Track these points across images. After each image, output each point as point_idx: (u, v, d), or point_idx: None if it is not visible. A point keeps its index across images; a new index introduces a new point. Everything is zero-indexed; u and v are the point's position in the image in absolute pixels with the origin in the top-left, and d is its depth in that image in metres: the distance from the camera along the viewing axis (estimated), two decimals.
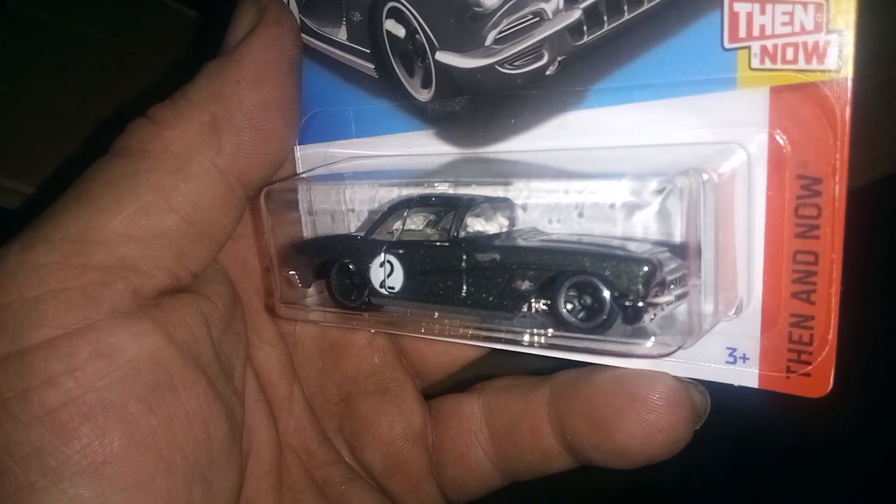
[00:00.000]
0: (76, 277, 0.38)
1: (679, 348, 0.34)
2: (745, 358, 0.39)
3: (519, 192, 0.40)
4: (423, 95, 0.44)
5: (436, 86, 0.43)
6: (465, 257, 0.37)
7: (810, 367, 0.37)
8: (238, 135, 0.42)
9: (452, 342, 0.50)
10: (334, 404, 0.53)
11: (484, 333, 0.37)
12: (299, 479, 0.50)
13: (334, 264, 0.42)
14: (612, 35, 0.39)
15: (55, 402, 0.36)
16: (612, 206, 0.37)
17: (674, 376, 0.40)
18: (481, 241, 0.37)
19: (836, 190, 0.35)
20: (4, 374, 0.36)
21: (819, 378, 0.37)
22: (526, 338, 0.36)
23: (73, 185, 0.41)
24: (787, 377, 0.38)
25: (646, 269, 0.32)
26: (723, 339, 0.39)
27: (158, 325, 0.39)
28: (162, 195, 0.40)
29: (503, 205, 0.40)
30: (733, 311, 0.38)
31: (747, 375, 0.39)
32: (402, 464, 0.51)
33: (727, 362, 0.39)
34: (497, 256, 0.36)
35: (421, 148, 0.44)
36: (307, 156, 0.49)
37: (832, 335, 0.36)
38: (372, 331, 0.50)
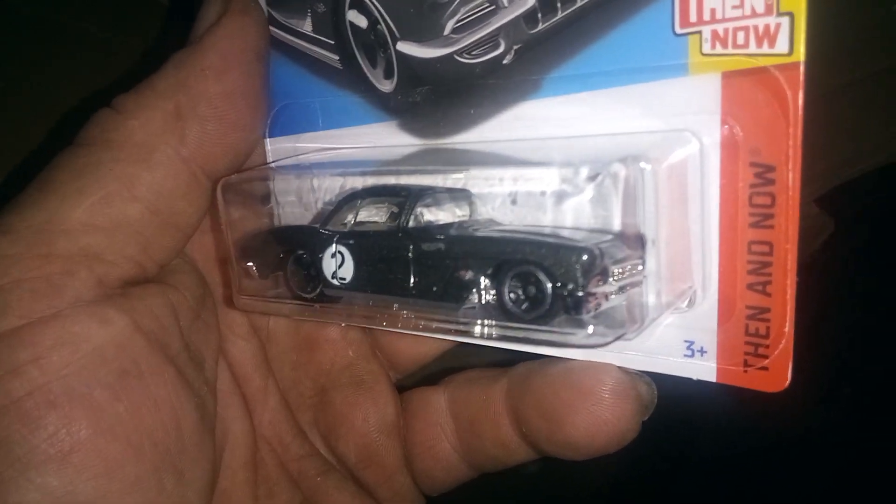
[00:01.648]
0: (40, 267, 0.38)
1: (618, 338, 0.33)
2: (702, 351, 0.38)
3: (456, 181, 0.39)
4: (386, 86, 0.44)
5: (398, 76, 0.43)
6: (411, 247, 0.36)
7: (768, 361, 0.36)
8: (202, 124, 0.42)
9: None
10: (309, 397, 0.53)
11: (436, 325, 0.37)
12: (274, 471, 0.50)
13: (290, 255, 0.42)
14: (567, 22, 0.38)
15: (20, 390, 0.36)
16: (543, 193, 0.37)
17: (620, 368, 0.39)
18: (428, 231, 0.37)
19: (790, 178, 0.34)
20: None
21: (777, 372, 0.36)
22: (476, 329, 0.36)
23: (38, 176, 0.41)
24: (745, 371, 0.37)
25: (584, 257, 0.32)
26: (680, 331, 0.38)
27: (124, 313, 0.39)
28: (125, 184, 0.40)
29: (461, 196, 0.40)
30: (685, 302, 0.37)
31: (705, 369, 0.38)
32: (377, 456, 0.51)
33: (685, 356, 0.38)
34: (442, 246, 0.35)
35: (384, 139, 0.44)
36: (277, 150, 0.49)
37: (788, 327, 0.35)
38: (338, 323, 0.50)
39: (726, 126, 0.35)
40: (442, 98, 0.42)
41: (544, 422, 0.42)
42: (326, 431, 0.52)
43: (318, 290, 0.41)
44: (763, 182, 0.34)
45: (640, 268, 0.35)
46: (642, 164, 0.32)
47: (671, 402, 0.40)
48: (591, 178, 0.32)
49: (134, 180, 0.40)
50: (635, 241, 0.34)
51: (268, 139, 0.49)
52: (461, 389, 0.48)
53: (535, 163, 0.37)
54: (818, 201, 0.49)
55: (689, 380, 0.38)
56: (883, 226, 0.70)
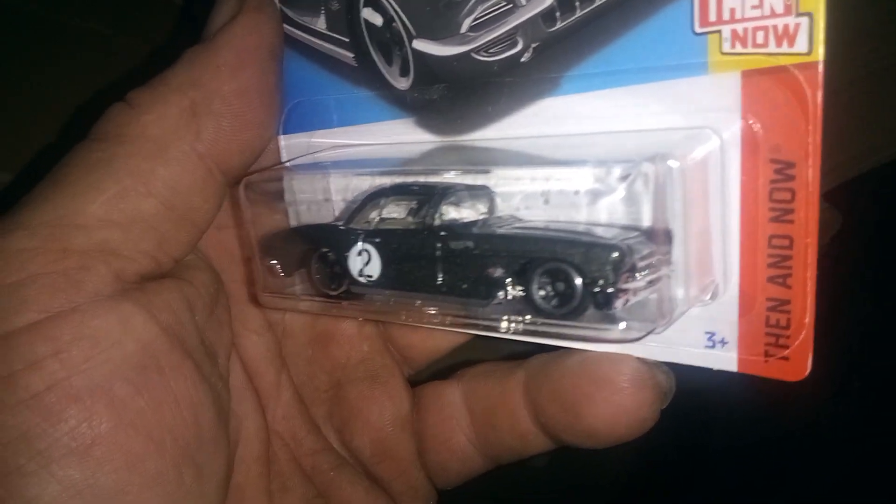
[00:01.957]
0: (57, 262, 0.38)
1: (649, 333, 0.34)
2: (723, 342, 0.39)
3: (487, 180, 0.40)
4: (402, 84, 0.44)
5: (414, 74, 0.43)
6: (439, 245, 0.37)
7: (788, 351, 0.37)
8: (217, 120, 0.42)
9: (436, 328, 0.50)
10: (323, 391, 0.53)
11: (462, 321, 0.38)
12: (287, 466, 0.51)
13: (314, 253, 0.43)
14: (585, 21, 0.38)
15: (41, 385, 0.36)
16: (577, 192, 0.37)
17: (638, 358, 0.40)
18: (455, 229, 0.38)
19: (810, 174, 0.34)
20: None
21: (797, 362, 0.37)
22: (503, 325, 0.37)
23: (51, 172, 0.41)
24: (766, 361, 0.38)
25: (615, 254, 0.33)
26: (701, 323, 0.39)
27: (142, 307, 0.39)
28: (140, 179, 0.40)
29: (481, 192, 0.40)
30: (709, 295, 0.38)
31: (726, 360, 0.39)
32: (391, 450, 0.52)
33: (706, 346, 0.39)
34: (470, 244, 0.36)
35: (401, 136, 0.45)
36: (291, 146, 0.49)
37: (809, 318, 0.36)
38: (360, 319, 0.51)
39: (746, 123, 0.35)
40: (459, 95, 0.42)
41: (563, 412, 0.43)
42: (341, 426, 0.53)
43: (344, 287, 0.42)
44: (783, 178, 0.35)
45: (666, 263, 0.35)
46: (670, 163, 0.33)
47: (684, 393, 0.41)
48: (623, 177, 0.33)
49: (149, 176, 0.40)
50: (661, 237, 0.35)
51: (281, 136, 0.49)
52: (476, 382, 0.49)
53: (567, 162, 0.37)
54: (827, 196, 0.49)
55: (703, 371, 0.39)
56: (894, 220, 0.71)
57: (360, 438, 0.52)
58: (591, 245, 0.33)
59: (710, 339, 0.39)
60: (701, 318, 0.39)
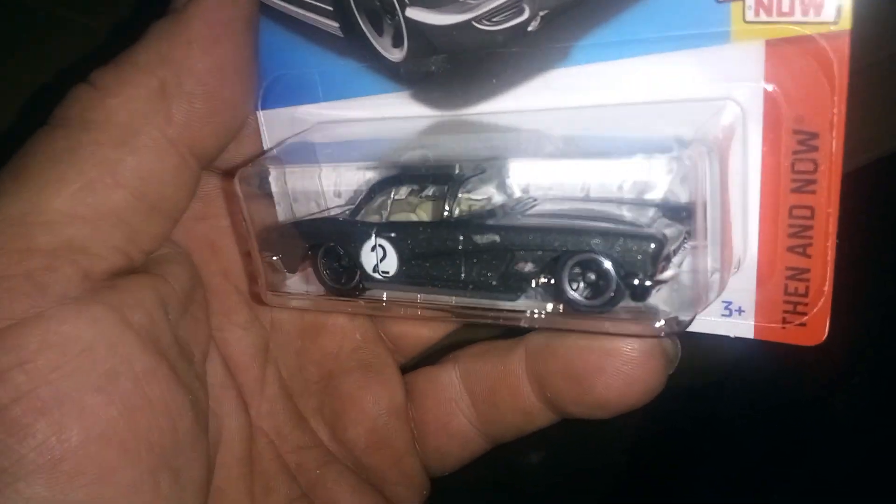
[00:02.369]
0: (19, 263, 0.35)
1: (692, 321, 0.34)
2: (740, 311, 0.39)
3: (516, 172, 0.38)
4: (395, 55, 0.41)
5: (408, 45, 0.41)
6: (461, 239, 0.35)
7: (806, 318, 0.37)
8: (189, 102, 0.39)
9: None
10: (314, 383, 0.51)
11: (487, 316, 0.37)
12: (271, 465, 0.49)
13: (320, 248, 0.40)
14: None
15: (5, 398, 0.34)
16: (620, 188, 0.36)
17: None
18: (478, 221, 0.36)
19: (833, 145, 0.34)
20: None
21: (814, 327, 0.37)
22: (528, 319, 0.36)
23: (10, 162, 0.38)
24: (783, 327, 0.38)
25: (653, 245, 0.32)
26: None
27: (113, 309, 0.37)
28: (108, 169, 0.37)
29: (494, 170, 0.39)
30: (734, 268, 0.38)
31: (743, 327, 0.39)
32: (387, 439, 0.50)
33: (723, 315, 0.39)
34: (497, 238, 0.35)
35: (396, 110, 0.42)
36: (272, 120, 0.46)
37: (828, 287, 0.37)
38: (375, 315, 0.49)
39: (769, 94, 0.35)
40: (459, 67, 0.40)
41: (573, 384, 0.42)
42: (333, 417, 0.51)
43: (356, 281, 0.39)
44: (806, 149, 0.35)
45: (687, 240, 0.35)
46: (706, 148, 0.32)
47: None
48: (668, 171, 0.32)
49: (117, 165, 0.37)
50: (682, 213, 0.35)
51: (261, 111, 0.46)
52: (473, 363, 0.48)
53: (607, 154, 0.36)
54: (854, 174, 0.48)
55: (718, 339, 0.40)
56: None
57: (355, 429, 0.50)
58: (626, 236, 0.32)
59: (726, 307, 0.39)
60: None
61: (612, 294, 0.33)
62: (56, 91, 0.39)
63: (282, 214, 0.43)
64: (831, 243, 0.36)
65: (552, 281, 0.34)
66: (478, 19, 0.39)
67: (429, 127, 0.41)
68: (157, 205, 0.39)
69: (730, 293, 0.39)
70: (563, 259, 0.33)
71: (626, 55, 0.37)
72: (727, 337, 0.40)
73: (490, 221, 0.35)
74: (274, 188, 0.42)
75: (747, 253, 0.38)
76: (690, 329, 0.40)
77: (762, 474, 0.80)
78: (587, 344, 0.41)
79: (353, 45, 0.42)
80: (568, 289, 0.34)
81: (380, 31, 0.41)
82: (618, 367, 0.40)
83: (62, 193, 0.36)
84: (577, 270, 0.34)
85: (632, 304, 0.34)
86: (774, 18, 0.34)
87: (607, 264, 0.32)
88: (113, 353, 0.36)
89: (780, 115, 0.35)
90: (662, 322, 0.33)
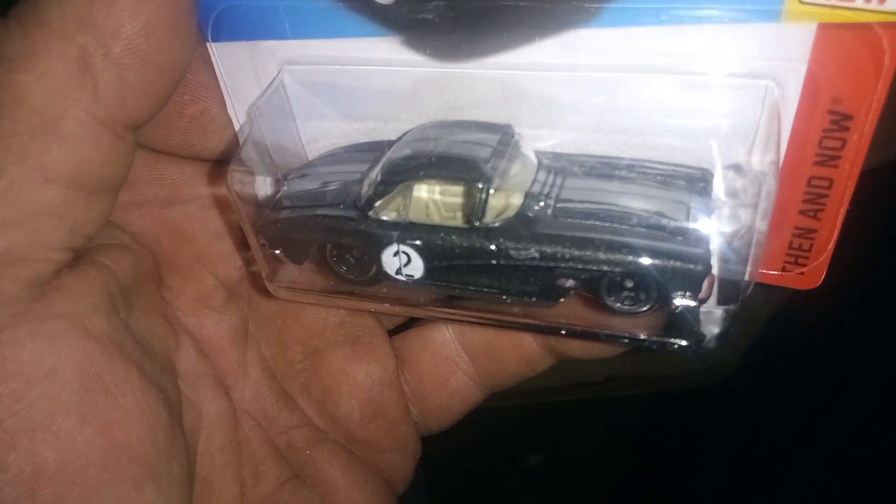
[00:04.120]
0: None
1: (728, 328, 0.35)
2: None
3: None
4: None
5: None
6: (496, 251, 0.33)
7: (805, 268, 0.39)
8: (119, 73, 0.32)
9: None
10: (298, 362, 0.49)
11: (524, 322, 0.36)
12: (260, 448, 0.47)
13: (331, 243, 0.37)
14: None
15: None
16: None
17: None
18: (512, 233, 0.33)
19: (866, 127, 0.34)
20: None
21: (812, 274, 0.39)
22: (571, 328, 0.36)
23: None
24: (781, 274, 0.40)
25: (700, 268, 0.31)
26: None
27: (70, 321, 0.34)
28: (33, 165, 0.32)
29: (515, 151, 0.36)
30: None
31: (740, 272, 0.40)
32: (382, 409, 0.50)
33: None
34: (535, 255, 0.33)
35: (383, 56, 0.37)
36: (227, 55, 0.39)
37: (831, 246, 0.38)
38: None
39: (811, 74, 0.33)
40: (464, 16, 0.35)
41: None
42: (323, 394, 0.50)
43: (375, 275, 0.37)
44: (838, 129, 0.34)
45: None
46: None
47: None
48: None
49: (42, 158, 0.32)
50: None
51: (212, 43, 0.39)
52: None
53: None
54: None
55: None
56: None
57: (349, 403, 0.49)
58: (673, 256, 0.31)
59: None
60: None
61: (651, 305, 0.33)
62: None
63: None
64: (843, 211, 0.37)
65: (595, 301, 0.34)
66: None
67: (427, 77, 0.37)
68: (96, 189, 0.34)
69: None
70: (607, 277, 0.33)
71: (663, 23, 0.33)
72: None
73: (524, 231, 0.33)
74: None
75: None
76: None
77: (763, 475, 0.81)
78: None
79: None
80: (607, 300, 0.33)
81: None
82: None
83: None
84: (618, 286, 0.33)
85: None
86: (833, 2, 0.31)
87: (651, 281, 0.32)
88: (80, 370, 0.34)
89: (819, 96, 0.33)
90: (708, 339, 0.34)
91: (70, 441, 0.33)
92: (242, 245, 0.43)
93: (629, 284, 0.33)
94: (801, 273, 0.39)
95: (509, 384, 0.50)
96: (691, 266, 0.31)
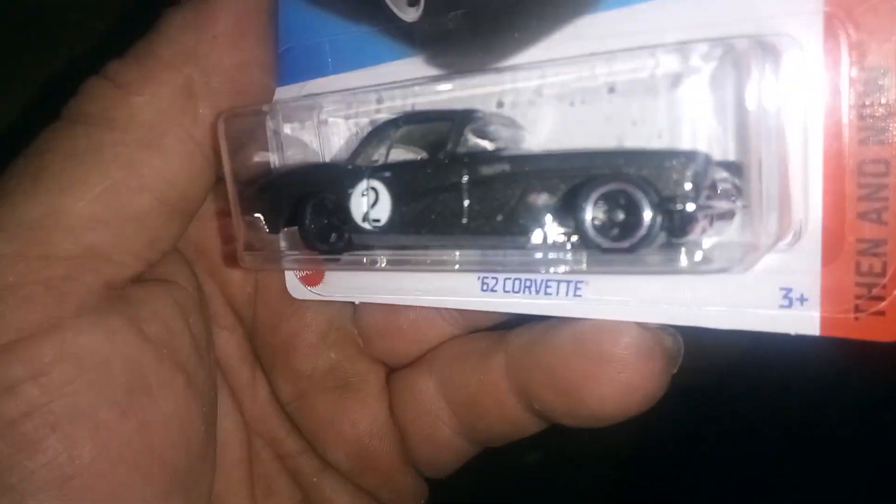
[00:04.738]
0: (39, 270, 0.34)
1: (724, 270, 0.27)
2: (802, 299, 0.32)
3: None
4: (410, 14, 0.38)
5: (424, 1, 0.37)
6: (466, 172, 0.30)
7: (884, 304, 0.30)
8: (217, 101, 0.37)
9: (425, 321, 0.45)
10: (287, 402, 0.47)
11: (493, 262, 0.31)
12: (271, 466, 0.46)
13: (308, 202, 0.35)
14: None
15: (17, 412, 0.33)
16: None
17: (638, 324, 0.35)
18: (487, 153, 0.31)
19: None
20: None
21: (894, 317, 0.30)
22: (543, 267, 0.30)
23: (25, 158, 0.36)
24: (856, 318, 0.31)
25: (695, 163, 0.26)
26: (775, 277, 0.32)
27: (130, 320, 0.36)
28: (132, 172, 0.36)
29: (507, 121, 0.34)
30: (790, 236, 0.31)
31: (806, 321, 0.32)
32: (372, 461, 0.46)
33: (781, 306, 0.32)
34: (506, 167, 0.29)
35: (409, 78, 0.38)
36: (280, 98, 0.42)
37: None
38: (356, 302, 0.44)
39: (831, 25, 0.30)
40: (480, 22, 0.37)
41: (563, 397, 0.37)
42: (312, 437, 0.47)
43: (345, 237, 0.34)
44: (876, 89, 0.29)
45: (737, 194, 0.29)
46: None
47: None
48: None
49: (142, 167, 0.36)
50: (732, 165, 0.29)
51: None
52: (450, 370, 0.43)
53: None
54: None
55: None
56: None
57: (335, 452, 0.46)
58: (661, 154, 0.27)
59: (785, 296, 0.32)
60: (774, 271, 0.32)
61: (645, 231, 0.27)
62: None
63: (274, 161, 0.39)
64: None
65: (573, 219, 0.28)
66: None
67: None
68: (178, 206, 0.38)
69: (789, 276, 0.32)
70: (588, 189, 0.27)
71: None
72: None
73: (496, 153, 0.30)
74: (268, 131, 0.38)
75: (809, 223, 0.32)
76: (743, 328, 0.33)
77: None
78: (574, 349, 0.36)
79: (366, 7, 0.39)
80: (588, 223, 0.27)
81: None
82: (612, 376, 0.35)
83: (85, 196, 0.35)
84: (602, 205, 0.28)
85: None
86: None
87: (636, 192, 0.26)
88: (129, 367, 0.35)
89: (843, 53, 0.30)
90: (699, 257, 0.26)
91: (108, 434, 0.34)
92: (220, 213, 0.41)
93: (616, 204, 0.27)
94: (879, 313, 0.31)
95: (499, 442, 0.43)
96: (682, 157, 0.26)
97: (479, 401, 0.42)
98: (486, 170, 0.30)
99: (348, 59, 0.40)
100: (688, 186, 0.26)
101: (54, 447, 0.33)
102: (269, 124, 0.39)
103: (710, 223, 0.28)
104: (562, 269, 0.29)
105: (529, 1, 0.35)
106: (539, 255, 0.29)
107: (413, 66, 0.38)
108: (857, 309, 0.31)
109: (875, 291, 0.30)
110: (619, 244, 0.27)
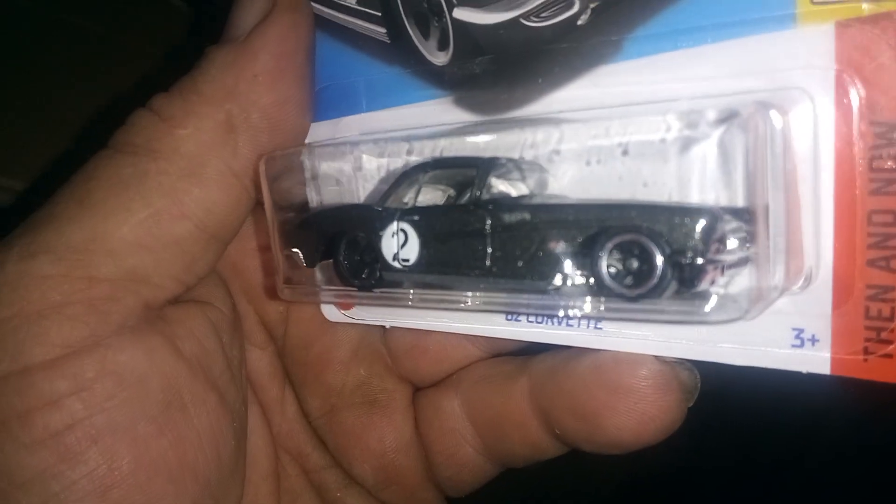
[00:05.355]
0: (82, 291, 0.36)
1: (738, 318, 0.29)
2: (814, 340, 0.33)
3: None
4: (440, 59, 0.40)
5: (454, 47, 0.39)
6: (489, 219, 0.32)
7: (892, 347, 0.32)
8: (255, 135, 0.39)
9: (451, 344, 0.47)
10: (316, 417, 0.49)
11: (514, 306, 0.32)
12: (297, 482, 0.48)
13: (342, 239, 0.37)
14: None
15: (60, 424, 0.34)
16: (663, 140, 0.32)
17: (657, 358, 0.36)
18: (509, 200, 0.33)
19: None
20: (4, 394, 0.34)
21: None
22: (566, 309, 0.32)
23: (72, 184, 0.38)
24: (865, 360, 0.32)
25: (704, 219, 0.27)
26: (787, 318, 0.34)
27: (167, 339, 0.38)
28: (174, 201, 0.38)
29: (533, 168, 0.36)
30: (801, 282, 0.33)
31: (817, 360, 0.33)
32: (397, 476, 0.48)
33: (793, 346, 0.34)
34: (527, 215, 0.31)
35: (438, 118, 0.40)
36: (315, 135, 0.45)
37: None
38: (387, 326, 0.46)
39: (841, 81, 0.31)
40: (504, 68, 0.38)
41: (582, 423, 0.39)
42: (338, 452, 0.49)
43: (377, 274, 0.36)
44: (886, 143, 0.31)
45: (748, 243, 0.31)
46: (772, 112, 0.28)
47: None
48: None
49: (183, 196, 0.38)
50: (743, 213, 0.30)
51: None
52: (475, 392, 0.45)
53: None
54: None
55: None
56: None
57: (361, 466, 0.48)
58: (673, 210, 0.28)
59: (797, 336, 0.34)
60: (787, 312, 0.34)
61: (657, 281, 0.28)
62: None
63: (312, 200, 0.41)
64: None
65: (589, 267, 0.30)
66: (525, 16, 0.37)
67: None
68: (217, 234, 0.40)
69: (801, 318, 0.33)
70: (604, 238, 0.29)
71: (682, 46, 0.34)
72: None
73: (519, 201, 0.32)
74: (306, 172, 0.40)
75: (821, 268, 0.33)
76: (757, 364, 0.35)
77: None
78: (594, 378, 0.38)
79: (399, 51, 0.41)
80: (605, 275, 0.29)
81: (426, 35, 0.40)
82: (630, 406, 0.37)
83: (128, 222, 0.37)
84: (617, 254, 0.29)
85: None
86: None
87: (649, 243, 0.28)
88: (166, 384, 0.37)
89: (854, 106, 0.31)
90: (713, 304, 0.28)
91: (145, 448, 0.36)
92: (263, 248, 0.43)
93: (629, 254, 0.29)
94: (887, 356, 0.32)
95: (522, 463, 0.45)
96: (692, 215, 0.27)
97: (502, 423, 0.43)
98: (508, 217, 0.32)
99: (381, 98, 0.42)
100: (696, 241, 0.27)
101: (95, 459, 0.35)
102: (307, 164, 0.41)
103: (722, 272, 0.29)
104: (579, 313, 0.31)
105: (551, 49, 0.37)
106: (557, 301, 0.31)
107: (442, 107, 0.40)
108: (866, 351, 0.32)
109: (883, 335, 0.32)
110: (632, 291, 0.29)
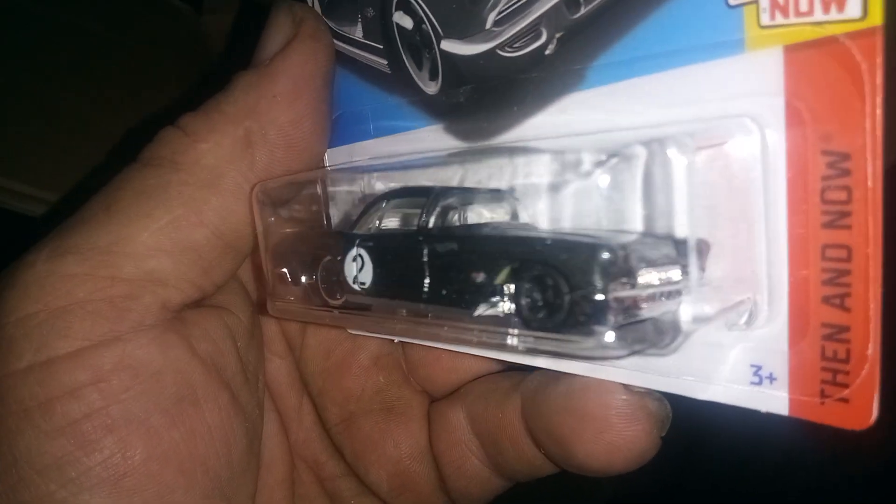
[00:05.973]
0: (104, 289, 0.38)
1: (636, 352, 0.28)
2: (772, 378, 0.32)
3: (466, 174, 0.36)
4: (432, 88, 0.41)
5: (442, 77, 0.41)
6: (426, 248, 0.33)
7: (848, 391, 0.30)
8: (271, 151, 0.42)
9: (463, 354, 0.47)
10: (334, 424, 0.51)
11: (450, 335, 0.33)
12: (312, 489, 0.49)
13: (319, 262, 0.40)
14: (610, 4, 0.34)
15: (78, 413, 0.36)
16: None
17: (626, 387, 0.36)
18: (446, 231, 0.34)
19: (869, 168, 0.28)
20: (28, 384, 0.36)
21: (859, 405, 0.29)
22: (489, 339, 0.32)
23: (101, 193, 0.41)
24: (822, 403, 0.30)
25: (603, 255, 0.27)
26: (746, 354, 0.32)
27: (183, 338, 0.40)
28: (193, 209, 0.40)
29: (498, 195, 0.36)
30: (743, 319, 0.31)
31: (775, 400, 0.32)
32: (410, 483, 0.48)
33: (752, 383, 0.32)
34: (455, 247, 0.32)
35: (430, 144, 0.42)
36: (333, 158, 0.48)
37: (872, 350, 0.29)
38: (351, 332, 0.48)
39: (791, 108, 0.30)
40: (485, 97, 0.39)
41: (556, 447, 0.39)
42: (354, 458, 0.50)
43: (344, 297, 0.38)
44: (837, 173, 0.29)
45: (682, 275, 0.30)
46: (670, 148, 0.28)
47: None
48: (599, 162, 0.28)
49: (202, 205, 0.40)
50: (678, 245, 0.30)
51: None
52: (477, 405, 0.45)
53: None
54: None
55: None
56: None
57: (377, 472, 0.49)
58: (576, 245, 0.28)
59: (756, 373, 0.32)
60: (746, 348, 0.32)
61: (566, 314, 0.28)
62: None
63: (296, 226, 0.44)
64: (875, 293, 0.29)
65: (508, 298, 0.30)
66: (500, 46, 0.38)
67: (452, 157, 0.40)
68: (233, 243, 0.42)
69: (759, 354, 0.32)
70: (518, 272, 0.30)
71: (639, 73, 0.33)
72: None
73: (455, 231, 0.33)
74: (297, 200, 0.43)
75: (775, 303, 0.31)
76: (716, 399, 0.34)
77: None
78: (565, 405, 0.38)
79: (398, 80, 0.43)
80: (521, 306, 0.30)
81: (419, 65, 0.42)
82: (596, 435, 0.37)
83: (150, 228, 0.39)
84: (531, 287, 0.30)
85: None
86: (792, 20, 0.29)
87: (558, 277, 0.28)
88: (179, 379, 0.39)
89: (806, 134, 0.29)
90: (606, 339, 0.28)
91: (158, 439, 0.38)
92: (257, 267, 0.46)
93: (542, 287, 0.29)
94: (843, 400, 0.30)
95: (524, 478, 0.45)
96: (592, 251, 0.27)
97: (500, 437, 0.44)
98: (440, 247, 0.33)
99: (386, 125, 0.45)
100: (594, 278, 0.27)
101: (110, 447, 0.36)
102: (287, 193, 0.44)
103: (637, 307, 0.29)
104: (495, 343, 0.31)
105: (524, 79, 0.37)
106: (479, 328, 0.32)
107: (435, 133, 0.42)
108: (822, 394, 0.30)
109: (839, 378, 0.30)
110: (546, 323, 0.29)
